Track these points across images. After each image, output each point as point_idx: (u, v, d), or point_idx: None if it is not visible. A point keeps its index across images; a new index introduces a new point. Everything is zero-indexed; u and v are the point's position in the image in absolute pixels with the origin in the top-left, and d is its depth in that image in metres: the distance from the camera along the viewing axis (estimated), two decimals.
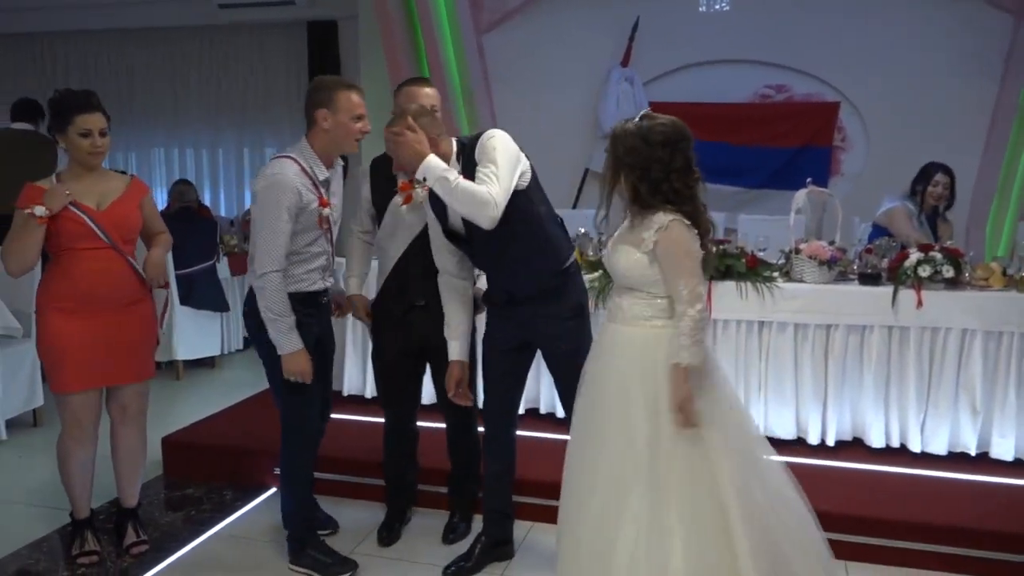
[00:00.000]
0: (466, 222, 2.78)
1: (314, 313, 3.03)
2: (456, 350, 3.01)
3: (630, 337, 2.46)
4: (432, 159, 2.67)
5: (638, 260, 2.42)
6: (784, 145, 6.09)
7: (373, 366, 3.41)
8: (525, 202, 2.76)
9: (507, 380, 3.03)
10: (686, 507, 2.31)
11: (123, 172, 3.24)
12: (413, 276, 3.13)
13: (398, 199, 3.06)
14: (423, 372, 3.32)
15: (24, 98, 5.85)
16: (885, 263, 4.01)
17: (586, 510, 2.44)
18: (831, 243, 4.08)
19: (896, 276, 3.87)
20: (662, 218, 2.38)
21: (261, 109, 7.85)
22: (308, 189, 2.87)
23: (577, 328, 2.93)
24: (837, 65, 6.11)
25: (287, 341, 2.87)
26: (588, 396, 2.55)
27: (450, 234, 2.91)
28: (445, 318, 3.02)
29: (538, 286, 2.86)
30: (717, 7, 4.32)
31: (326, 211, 2.93)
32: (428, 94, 3.10)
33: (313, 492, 3.21)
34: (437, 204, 2.86)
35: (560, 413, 4.10)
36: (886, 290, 3.85)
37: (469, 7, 6.30)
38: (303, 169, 2.88)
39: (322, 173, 2.93)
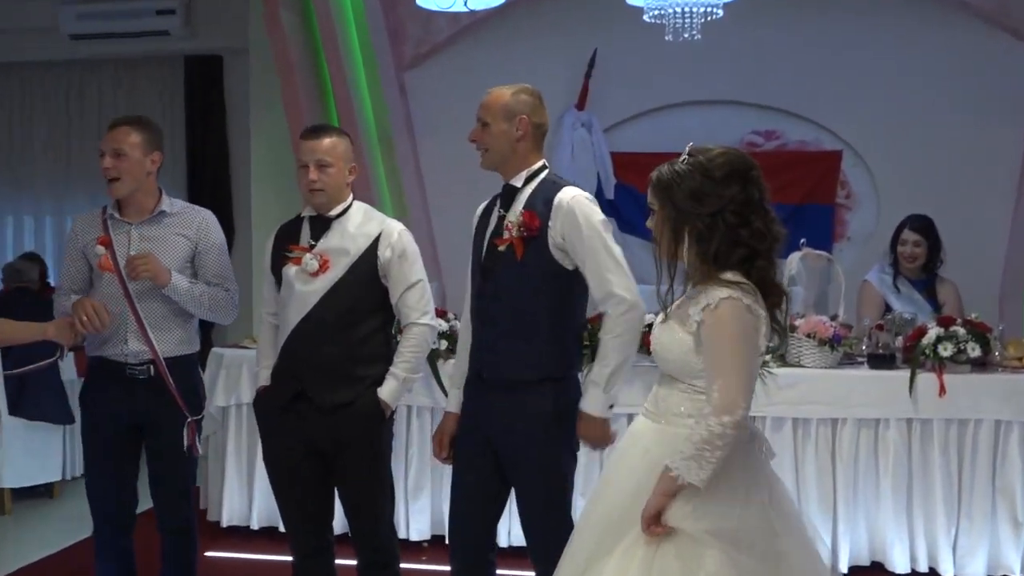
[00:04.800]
0: (490, 257, 3.00)
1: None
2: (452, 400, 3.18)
3: (657, 436, 2.39)
4: (601, 397, 2.88)
5: (680, 341, 2.36)
6: (777, 202, 6.23)
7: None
8: (568, 281, 2.93)
9: (474, 492, 3.03)
10: None
11: None
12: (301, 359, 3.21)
13: (290, 268, 3.22)
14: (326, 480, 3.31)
15: None
16: (900, 341, 4.10)
17: None
18: (834, 318, 4.18)
19: (912, 357, 3.96)
20: (715, 293, 2.28)
21: None
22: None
23: (546, 441, 2.93)
24: (837, 107, 6.33)
25: None
26: (598, 493, 2.55)
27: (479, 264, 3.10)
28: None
29: (520, 368, 2.91)
30: (686, 35, 4.46)
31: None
32: (324, 146, 3.23)
33: None
34: (479, 235, 3.12)
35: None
36: (902, 374, 3.94)
37: (388, 39, 6.45)
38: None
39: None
